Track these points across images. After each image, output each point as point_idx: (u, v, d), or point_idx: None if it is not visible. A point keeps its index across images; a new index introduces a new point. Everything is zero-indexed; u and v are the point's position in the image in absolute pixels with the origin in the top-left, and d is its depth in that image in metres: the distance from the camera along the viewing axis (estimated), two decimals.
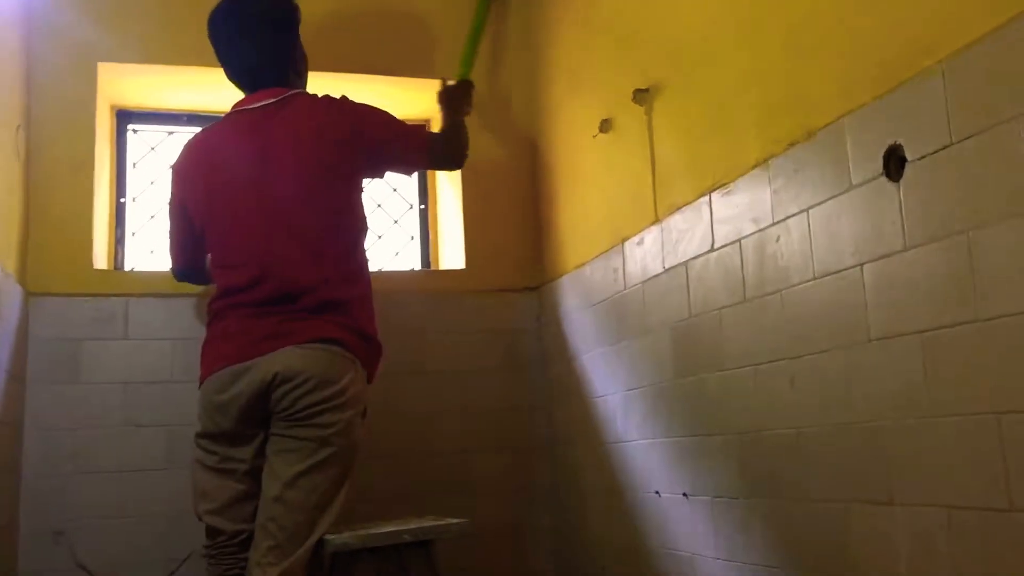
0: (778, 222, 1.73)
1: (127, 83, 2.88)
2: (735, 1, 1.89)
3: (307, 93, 2.27)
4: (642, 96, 2.26)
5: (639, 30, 2.33)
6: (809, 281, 1.64)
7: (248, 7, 2.23)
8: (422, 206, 3.18)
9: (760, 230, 1.78)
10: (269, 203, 2.10)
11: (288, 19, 2.27)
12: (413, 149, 2.28)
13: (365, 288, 2.18)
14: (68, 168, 2.65)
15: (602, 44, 2.55)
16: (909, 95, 1.41)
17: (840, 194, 1.56)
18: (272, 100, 2.17)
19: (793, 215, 1.69)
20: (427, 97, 2.84)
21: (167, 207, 2.29)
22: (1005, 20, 1.25)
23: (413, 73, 2.96)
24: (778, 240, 1.73)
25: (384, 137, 2.23)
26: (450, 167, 2.46)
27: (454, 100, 2.55)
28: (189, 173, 2.22)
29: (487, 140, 3.01)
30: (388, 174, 2.41)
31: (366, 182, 2.29)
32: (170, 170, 2.28)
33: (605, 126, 2.47)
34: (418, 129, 2.31)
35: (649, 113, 2.26)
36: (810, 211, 1.64)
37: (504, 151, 3.03)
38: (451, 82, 2.66)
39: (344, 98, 2.25)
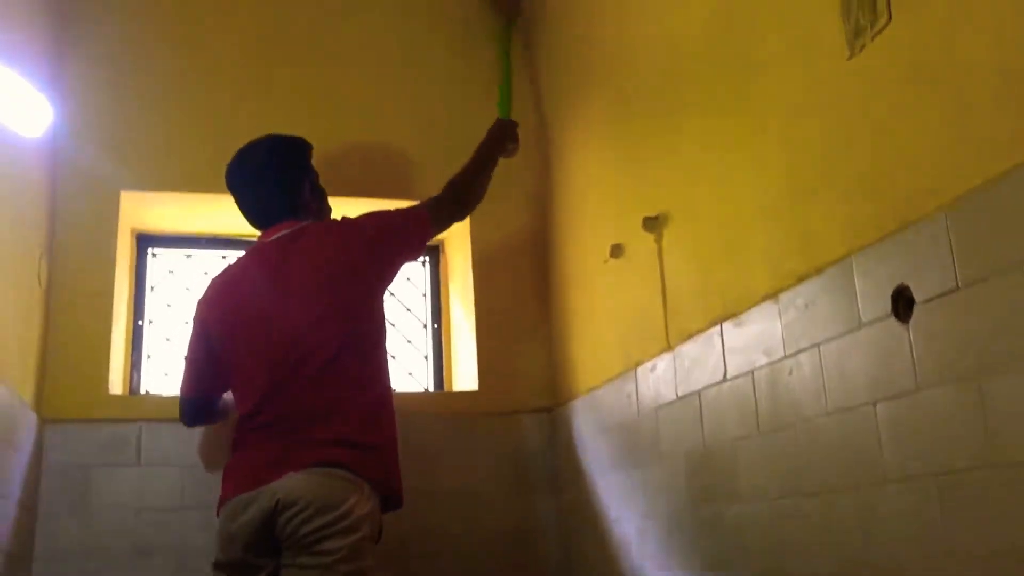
0: (790, 355, 1.73)
1: (148, 209, 2.95)
2: (741, 135, 1.94)
3: (319, 223, 2.35)
4: (652, 223, 2.30)
5: (648, 158, 2.39)
6: (822, 417, 1.63)
7: (254, 157, 2.37)
8: (435, 326, 3.21)
9: (772, 362, 1.79)
10: (280, 332, 2.17)
11: (292, 160, 2.39)
12: (416, 228, 2.40)
13: (377, 395, 2.19)
14: (88, 294, 2.70)
15: (612, 170, 2.61)
16: (914, 238, 1.43)
17: (850, 331, 1.57)
18: (286, 231, 2.27)
19: (804, 349, 1.69)
20: None
21: (189, 340, 2.33)
22: (1007, 168, 1.27)
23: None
24: (790, 373, 1.73)
25: (387, 235, 2.33)
26: (453, 221, 2.58)
27: (502, 134, 2.78)
28: (213, 306, 2.30)
29: (500, 262, 3.06)
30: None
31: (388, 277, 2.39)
32: (195, 304, 2.34)
33: (616, 251, 2.51)
34: (413, 208, 2.45)
35: (659, 240, 2.29)
36: (821, 346, 1.64)
37: (517, 273, 3.07)
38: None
39: (345, 217, 2.37)
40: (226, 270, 2.38)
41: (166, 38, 2.96)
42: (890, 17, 1.51)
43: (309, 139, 2.59)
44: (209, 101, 2.94)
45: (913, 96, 1.46)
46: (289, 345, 2.15)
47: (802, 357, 1.69)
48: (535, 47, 3.21)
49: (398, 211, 2.42)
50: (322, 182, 2.55)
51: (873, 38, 1.54)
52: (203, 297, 2.34)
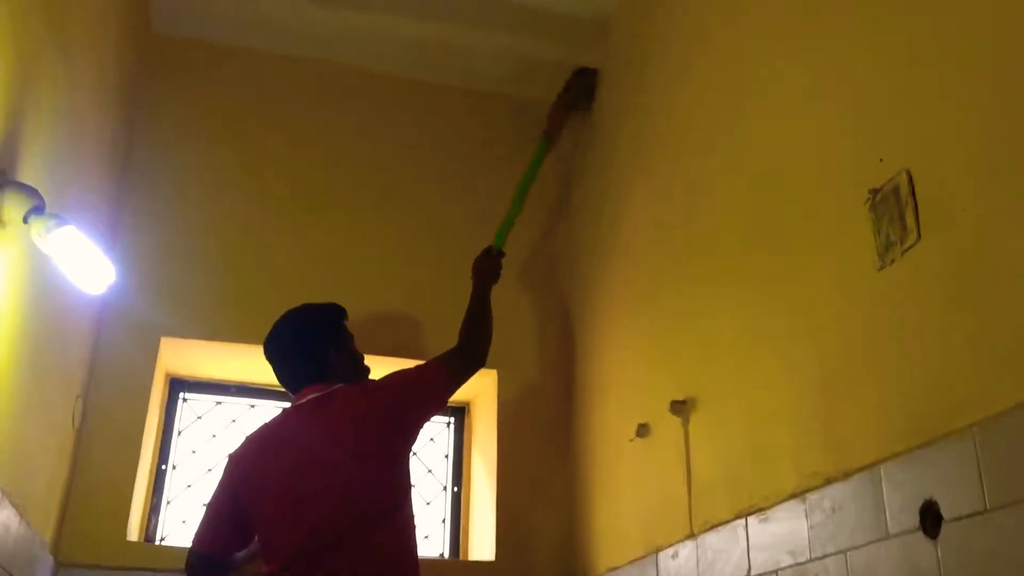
0: (816, 559, 1.72)
1: (185, 354, 3.02)
2: (772, 329, 1.99)
3: (349, 386, 2.38)
4: (679, 407, 2.32)
5: (678, 339, 2.43)
6: None
7: (281, 330, 2.47)
8: (455, 489, 3.19)
9: (798, 564, 1.77)
10: (305, 497, 2.19)
11: (316, 330, 2.46)
12: (434, 382, 2.44)
13: (395, 559, 2.18)
14: (118, 437, 2.73)
15: (641, 346, 2.65)
16: (942, 453, 1.45)
17: (878, 541, 1.56)
18: (315, 395, 2.32)
19: (831, 554, 1.68)
20: None
21: (214, 492, 2.34)
22: None
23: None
24: None
25: (407, 393, 2.37)
26: (475, 369, 2.59)
27: (481, 270, 2.80)
28: (242, 465, 2.32)
29: (525, 428, 3.07)
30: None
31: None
32: (227, 458, 2.37)
33: (642, 431, 2.52)
34: (430, 364, 2.51)
35: (686, 425, 2.31)
36: (848, 553, 1.63)
37: (542, 441, 3.08)
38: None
39: (369, 380, 2.44)
40: (259, 429, 2.42)
41: (213, 198, 3.10)
42: (919, 236, 1.57)
43: (345, 300, 2.66)
44: (250, 257, 3.06)
45: (942, 314, 1.50)
46: (313, 510, 2.16)
47: (828, 562, 1.68)
48: (570, 213, 3.33)
49: (416, 368, 2.49)
50: (360, 342, 2.61)
51: (903, 254, 1.60)
52: (234, 453, 2.38)
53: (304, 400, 2.34)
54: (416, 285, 3.17)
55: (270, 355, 2.49)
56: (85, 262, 1.85)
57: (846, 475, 1.67)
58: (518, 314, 3.21)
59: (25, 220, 1.73)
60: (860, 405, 1.67)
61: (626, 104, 3.00)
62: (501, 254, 2.92)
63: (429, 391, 2.44)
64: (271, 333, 2.50)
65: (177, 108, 3.17)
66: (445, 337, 3.02)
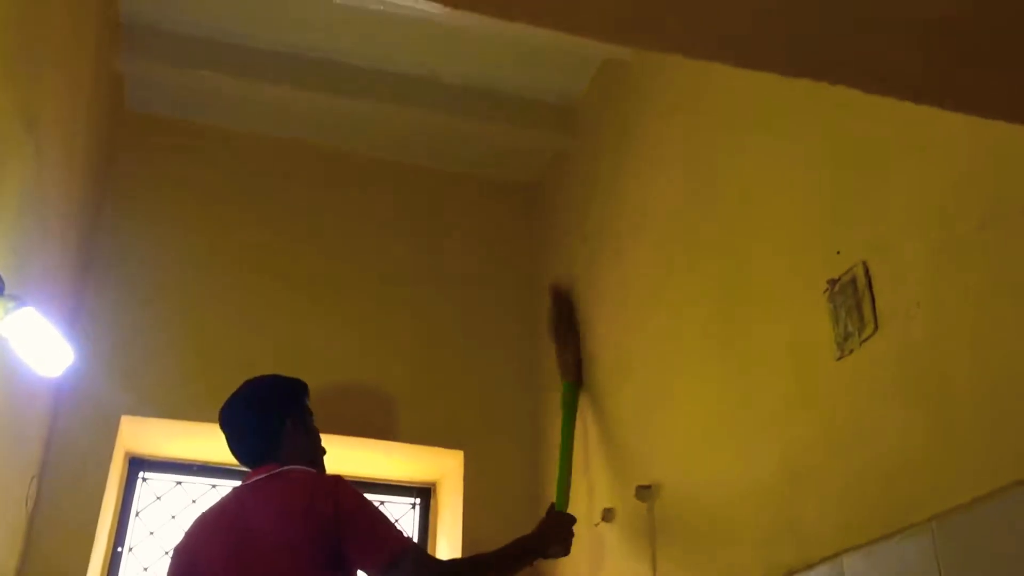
0: None
1: (145, 433, 2.97)
2: (734, 417, 2.00)
3: (299, 469, 2.24)
4: (644, 493, 2.31)
5: (642, 427, 2.43)
6: None
7: (237, 400, 2.35)
8: None
9: None
10: None
11: (272, 404, 2.35)
12: (373, 557, 2.09)
13: None
14: (72, 518, 2.66)
15: (607, 434, 2.64)
16: (902, 546, 1.45)
17: None
18: (262, 476, 2.22)
19: None
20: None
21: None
22: (992, 489, 1.30)
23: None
24: None
25: (352, 533, 2.09)
26: None
27: (549, 531, 2.42)
28: (185, 553, 2.22)
29: (492, 511, 3.03)
30: None
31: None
32: (171, 552, 2.27)
33: (608, 515, 2.50)
34: (395, 541, 2.11)
35: (651, 511, 2.29)
36: None
37: (507, 526, 3.01)
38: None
39: (337, 479, 2.19)
40: (202, 516, 2.31)
41: (178, 275, 3.09)
42: (876, 326, 1.60)
43: (310, 379, 2.62)
44: (214, 335, 3.03)
45: (899, 406, 1.52)
46: None
47: None
48: (539, 294, 3.34)
49: (384, 524, 2.15)
50: (328, 422, 2.55)
51: (861, 344, 1.63)
52: (178, 547, 2.26)
53: (250, 481, 2.26)
54: (386, 366, 3.15)
55: (224, 422, 2.35)
56: (43, 345, 1.83)
57: (809, 566, 1.66)
58: (485, 394, 3.20)
59: None
60: (821, 495, 1.67)
61: (593, 188, 3.05)
62: (563, 515, 2.47)
63: (373, 547, 2.10)
64: (229, 399, 2.36)
65: (146, 185, 3.17)
66: (418, 420, 3.02)
